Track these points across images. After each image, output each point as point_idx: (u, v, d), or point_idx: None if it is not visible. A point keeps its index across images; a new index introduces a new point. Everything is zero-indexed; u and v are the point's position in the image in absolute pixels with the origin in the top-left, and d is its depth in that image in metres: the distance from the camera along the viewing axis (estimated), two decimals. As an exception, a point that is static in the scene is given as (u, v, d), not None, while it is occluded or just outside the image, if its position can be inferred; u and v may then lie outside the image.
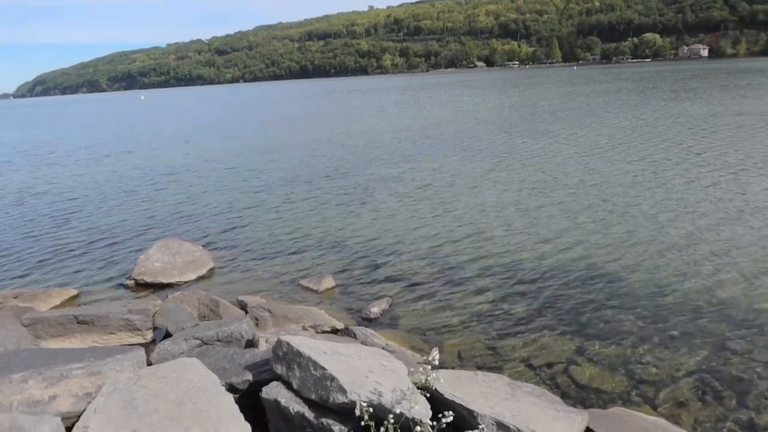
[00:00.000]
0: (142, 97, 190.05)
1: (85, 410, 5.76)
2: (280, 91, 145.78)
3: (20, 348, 7.42)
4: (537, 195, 16.93)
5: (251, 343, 7.60)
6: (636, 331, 8.83)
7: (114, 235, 15.42)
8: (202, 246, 13.32)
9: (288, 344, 5.76)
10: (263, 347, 7.13)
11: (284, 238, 14.19)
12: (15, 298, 10.73)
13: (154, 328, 9.29)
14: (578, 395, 7.35)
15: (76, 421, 5.85)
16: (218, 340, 7.53)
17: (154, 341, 9.23)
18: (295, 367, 5.63)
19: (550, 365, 8.07)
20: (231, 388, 6.17)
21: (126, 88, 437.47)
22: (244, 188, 20.45)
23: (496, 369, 7.97)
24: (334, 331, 9.15)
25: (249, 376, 6.18)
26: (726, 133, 26.45)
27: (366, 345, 8.04)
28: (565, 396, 7.32)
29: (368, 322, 9.57)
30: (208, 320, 9.43)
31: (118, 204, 19.16)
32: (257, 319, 9.00)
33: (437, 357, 5.00)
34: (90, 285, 11.95)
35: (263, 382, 6.14)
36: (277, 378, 5.93)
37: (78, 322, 9.00)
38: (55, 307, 10.72)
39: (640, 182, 17.82)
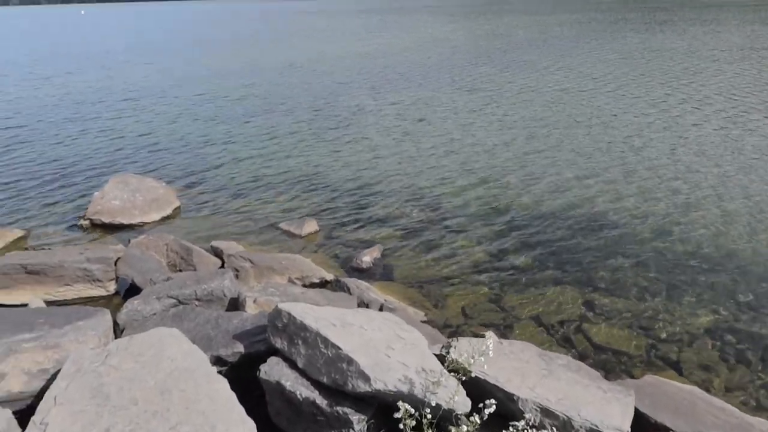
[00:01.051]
0: (83, 12, 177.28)
1: (39, 391, 4.77)
2: (224, 12, 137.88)
3: (-43, 308, 6.24)
4: (530, 133, 16.03)
5: (235, 303, 6.62)
6: (646, 285, 8.25)
7: (64, 168, 13.83)
8: (165, 183, 11.99)
9: (289, 315, 4.82)
10: (251, 308, 6.17)
11: (258, 175, 12.97)
12: (-50, 240, 9.35)
13: (117, 279, 8.18)
14: (599, 359, 6.73)
15: (30, 401, 4.87)
16: (197, 299, 6.52)
17: (117, 293, 8.16)
18: (299, 342, 4.71)
19: (562, 323, 7.42)
20: (218, 361, 5.24)
21: (64, 2, 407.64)
22: (210, 118, 18.75)
23: (507, 329, 7.27)
24: (323, 282, 8.24)
25: (240, 347, 5.25)
26: (709, 65, 25.87)
27: (364, 301, 7.21)
28: (584, 358, 6.70)
29: (360, 272, 8.69)
30: (179, 270, 8.36)
31: (70, 133, 17.26)
32: (237, 271, 7.98)
33: (491, 345, 4.14)
34: (38, 226, 10.60)
35: (256, 355, 5.24)
36: (274, 351, 5.02)
37: (27, 272, 7.79)
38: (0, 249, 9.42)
39: (634, 120, 17.12)
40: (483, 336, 6.98)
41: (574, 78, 24.79)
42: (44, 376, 4.91)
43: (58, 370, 4.82)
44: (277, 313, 4.92)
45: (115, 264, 8.23)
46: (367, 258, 8.87)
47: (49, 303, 7.82)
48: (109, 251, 8.27)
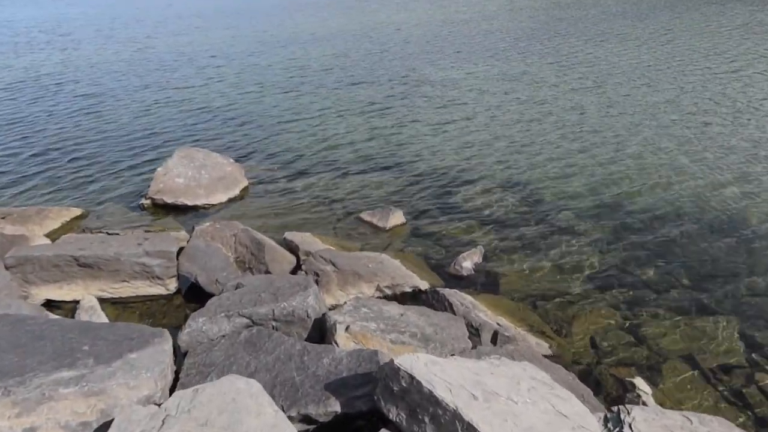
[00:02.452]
0: None
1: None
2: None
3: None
4: (629, 117, 14.03)
5: (320, 326, 5.34)
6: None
7: (132, 140, 12.83)
8: (233, 159, 10.82)
9: (411, 378, 3.46)
10: (343, 340, 4.87)
11: (337, 156, 11.61)
12: (2, 218, 8.48)
13: (178, 275, 7.06)
14: (789, 426, 5.12)
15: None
16: (274, 320, 5.27)
17: (179, 292, 7.05)
18: (426, 419, 3.35)
19: (725, 369, 5.82)
20: (304, 419, 3.97)
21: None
22: (286, 89, 17.32)
23: (654, 372, 5.76)
24: (416, 292, 6.88)
25: (335, 405, 3.96)
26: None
27: (473, 325, 5.81)
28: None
29: (458, 280, 7.28)
30: (249, 268, 7.16)
31: (140, 102, 16.26)
32: (317, 275, 6.70)
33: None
34: (98, 203, 9.67)
35: (355, 416, 3.94)
36: (380, 416, 3.71)
37: (80, 265, 6.77)
38: (54, 231, 8.51)
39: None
40: (633, 384, 5.54)
41: (693, 54, 22.17)
42: None
43: (103, 425, 3.68)
44: (393, 371, 3.57)
45: (177, 257, 7.11)
46: (467, 263, 7.43)
47: (103, 300, 6.82)
48: (170, 242, 7.13)
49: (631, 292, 7.06)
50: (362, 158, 11.31)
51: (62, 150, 12.15)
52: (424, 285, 6.97)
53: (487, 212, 9.06)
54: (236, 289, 5.89)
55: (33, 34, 32.27)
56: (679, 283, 7.22)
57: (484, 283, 7.25)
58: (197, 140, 12.59)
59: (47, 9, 50.37)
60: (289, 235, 7.88)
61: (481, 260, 7.62)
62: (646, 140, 11.93)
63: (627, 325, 6.48)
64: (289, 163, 11.23)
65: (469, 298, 6.57)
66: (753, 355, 5.99)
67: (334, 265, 6.80)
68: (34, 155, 11.91)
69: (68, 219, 8.89)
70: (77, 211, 9.12)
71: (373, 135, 12.56)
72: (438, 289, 6.72)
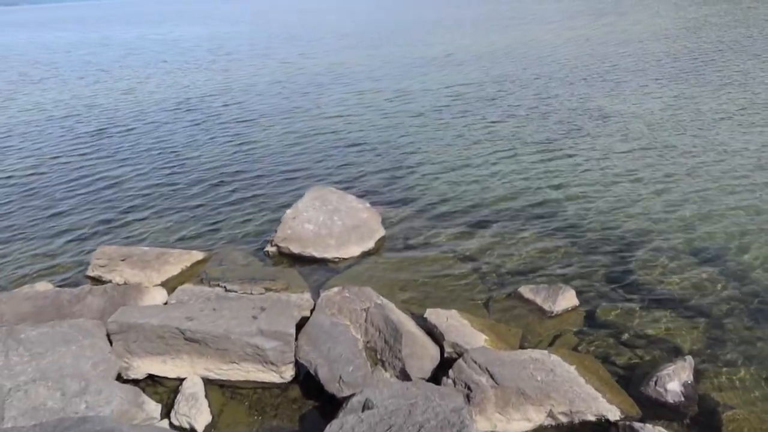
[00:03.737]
0: None
1: None
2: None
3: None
4: None
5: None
6: None
7: (264, 174, 11.98)
8: (370, 203, 9.54)
9: None
10: None
11: (484, 204, 9.93)
12: (123, 260, 7.81)
13: (296, 362, 5.77)
14: None
15: None
16: (415, 483, 3.70)
17: (296, 380, 5.76)
18: None
19: None
20: None
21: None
22: (424, 118, 15.84)
23: None
24: (604, 423, 5.01)
25: None
26: None
27: None
28: None
29: (660, 407, 5.29)
30: (380, 360, 5.70)
31: (278, 130, 15.65)
32: (468, 388, 5.07)
33: None
34: (223, 244, 8.81)
35: None
36: None
37: (186, 339, 5.71)
38: (172, 279, 7.69)
39: None
40: None
41: None
42: None
43: None
44: None
45: (296, 336, 5.83)
46: (673, 385, 5.40)
47: (210, 381, 5.70)
48: (288, 319, 5.87)
49: None
50: (521, 211, 9.47)
51: (196, 182, 11.62)
52: (613, 414, 5.08)
53: (688, 299, 6.90)
54: (363, 410, 4.42)
55: (197, 52, 33.98)
56: None
57: (698, 418, 5.20)
58: (333, 177, 11.50)
59: (213, 28, 53.77)
60: (432, 316, 6.33)
61: (691, 379, 5.54)
62: None
63: None
64: (435, 210, 9.71)
65: (685, 448, 4.58)
66: None
67: (491, 376, 5.12)
68: (166, 185, 11.49)
69: (189, 264, 8.05)
70: (199, 255, 8.28)
71: (538, 182, 10.60)
72: (635, 425, 4.82)
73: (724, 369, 5.75)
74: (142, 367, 5.82)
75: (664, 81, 18.53)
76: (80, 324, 5.69)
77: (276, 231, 8.54)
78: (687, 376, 5.54)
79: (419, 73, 22.66)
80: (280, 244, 8.34)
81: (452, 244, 8.45)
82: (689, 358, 5.75)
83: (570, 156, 11.85)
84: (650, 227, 8.64)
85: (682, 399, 5.33)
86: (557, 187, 10.31)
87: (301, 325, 6.30)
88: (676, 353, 5.95)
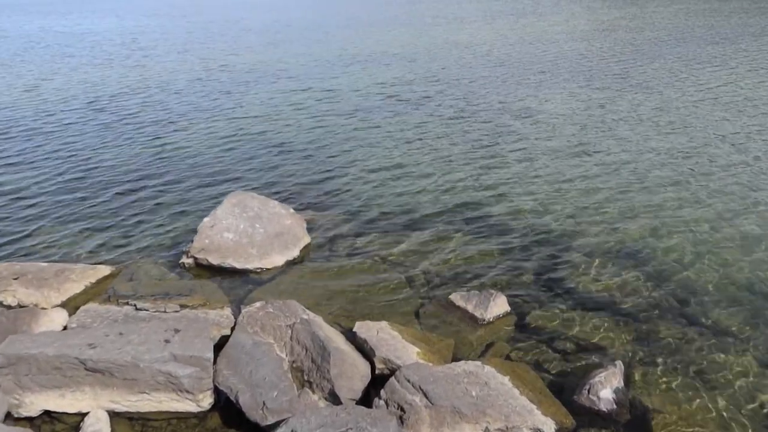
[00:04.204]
0: None
1: None
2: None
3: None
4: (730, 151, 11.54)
5: None
6: None
7: (180, 179, 11.17)
8: (294, 209, 9.09)
9: None
10: None
11: (412, 206, 9.71)
12: (15, 279, 7.00)
13: (215, 388, 5.30)
14: None
15: None
16: None
17: (215, 408, 5.29)
18: None
19: None
20: None
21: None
22: (347, 118, 15.41)
23: None
24: (539, 438, 4.87)
25: None
26: None
27: None
28: None
29: (594, 416, 5.22)
30: (308, 382, 5.32)
31: (196, 130, 14.76)
32: (402, 409, 4.79)
33: None
34: (132, 259, 8.11)
35: None
36: None
37: (87, 369, 5.10)
38: (74, 298, 6.96)
39: None
40: None
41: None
42: None
43: None
44: None
45: (215, 364, 5.36)
46: (605, 392, 5.35)
47: (116, 415, 5.13)
48: (205, 343, 5.38)
49: None
50: (451, 215, 9.30)
51: (105, 188, 10.70)
52: (548, 426, 4.95)
53: (616, 300, 6.95)
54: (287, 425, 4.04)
55: (108, 47, 31.94)
56: None
57: (630, 424, 5.17)
58: (255, 181, 10.92)
59: (125, 20, 50.99)
60: (362, 329, 6.01)
61: (622, 384, 5.51)
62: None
63: None
64: (362, 215, 9.38)
65: (620, 459, 4.50)
66: None
67: (425, 395, 4.86)
68: (70, 192, 10.53)
69: (94, 280, 7.33)
70: (106, 270, 7.56)
71: (466, 185, 10.48)
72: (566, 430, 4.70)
73: (653, 372, 5.78)
74: (37, 403, 5.16)
75: (584, 81, 19.09)
76: (-42, 360, 4.96)
77: (192, 241, 7.95)
78: (618, 381, 5.51)
79: (346, 72, 22.26)
80: (197, 255, 7.76)
81: (381, 251, 8.16)
82: (619, 363, 5.74)
83: (497, 157, 11.86)
84: (579, 229, 8.71)
85: (614, 406, 5.29)
86: (485, 189, 10.25)
87: (221, 344, 5.84)
88: (606, 358, 5.94)
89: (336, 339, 5.82)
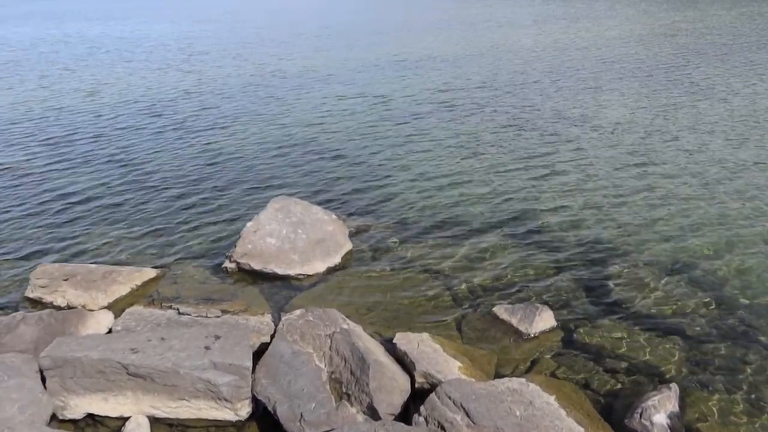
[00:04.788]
0: None
1: None
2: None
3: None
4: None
5: None
6: None
7: (226, 183, 11.25)
8: (336, 215, 9.04)
9: None
10: None
11: (456, 215, 9.50)
12: (66, 280, 7.18)
13: (254, 397, 5.26)
14: None
15: None
16: None
17: (253, 417, 5.25)
18: None
19: None
20: None
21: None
22: (393, 122, 15.33)
23: None
24: (586, 464, 4.62)
25: None
26: None
27: None
28: None
29: (646, 443, 4.92)
30: (346, 394, 5.22)
31: (241, 135, 14.86)
32: (442, 428, 4.63)
33: None
34: (177, 262, 8.21)
35: None
36: None
37: (129, 374, 5.15)
38: (120, 300, 7.08)
39: None
40: None
41: None
42: None
43: None
44: None
45: (253, 373, 5.32)
46: (659, 418, 5.05)
47: (157, 420, 5.15)
48: (244, 351, 5.35)
49: None
50: (496, 225, 9.05)
51: (153, 192, 10.89)
52: (597, 454, 4.69)
53: (667, 317, 6.60)
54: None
55: (165, 52, 32.85)
56: None
57: (686, 454, 4.85)
58: (299, 187, 10.91)
59: (180, 26, 52.47)
60: (402, 341, 5.88)
61: (677, 409, 5.20)
62: None
63: None
64: (406, 223, 9.23)
65: (674, 491, 4.21)
66: None
67: (467, 413, 4.69)
68: (120, 195, 10.76)
69: (140, 283, 7.45)
70: (151, 273, 7.68)
71: (515, 195, 10.13)
72: (621, 464, 4.43)
73: (710, 398, 5.43)
74: (81, 406, 5.24)
75: (643, 88, 18.44)
76: (5, 361, 5.09)
77: (236, 246, 7.99)
78: (672, 406, 5.19)
79: (397, 77, 22.14)
80: (240, 260, 7.80)
81: (423, 260, 8.01)
82: (674, 386, 5.41)
83: (551, 167, 11.49)
84: (636, 243, 8.33)
85: (668, 430, 4.98)
86: (538, 200, 9.94)
87: (260, 351, 5.83)
88: (659, 379, 5.62)
89: (376, 350, 5.70)
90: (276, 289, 7.46)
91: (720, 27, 33.09)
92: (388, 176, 11.30)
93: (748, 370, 5.73)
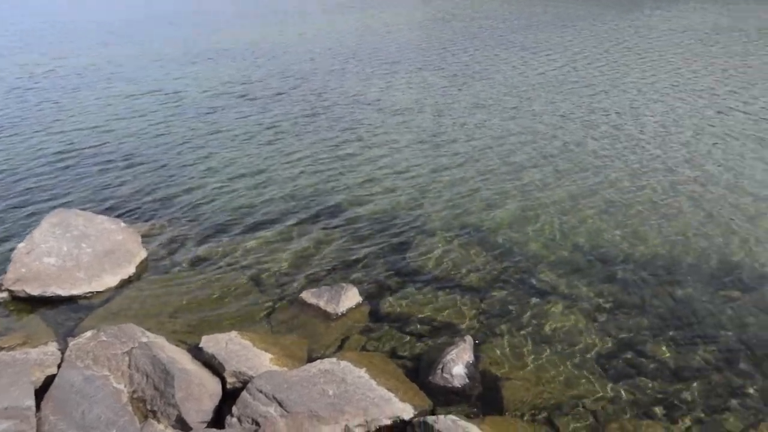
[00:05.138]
0: None
1: None
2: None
3: None
4: (596, 141, 12.67)
5: None
6: None
7: None
8: (125, 222, 8.35)
9: None
10: None
11: (251, 207, 9.36)
12: None
13: (42, 437, 4.68)
14: None
15: None
16: None
17: (42, 460, 4.66)
18: None
19: None
20: None
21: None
22: (177, 118, 14.51)
23: None
24: (400, 425, 4.91)
25: None
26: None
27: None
28: None
29: (450, 394, 5.37)
30: (152, 412, 4.88)
31: (9, 144, 13.09)
32: (256, 423, 4.55)
33: None
34: (-71, 300, 6.92)
35: None
36: None
37: None
38: None
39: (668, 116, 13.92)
40: None
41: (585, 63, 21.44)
42: None
43: None
44: None
45: (38, 411, 4.73)
46: (458, 369, 5.53)
47: None
48: (24, 388, 4.72)
49: (663, 382, 5.47)
50: (295, 212, 9.08)
51: None
52: (407, 412, 5.01)
53: (458, 277, 7.23)
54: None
55: None
56: (721, 364, 5.71)
57: (484, 397, 5.40)
58: (80, 197, 9.84)
59: None
60: (209, 343, 5.66)
61: (472, 359, 5.73)
62: (628, 170, 10.60)
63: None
64: (203, 221, 8.86)
65: (475, 431, 4.66)
66: None
67: (280, 404, 4.67)
68: None
69: None
70: None
71: (309, 180, 10.27)
72: (428, 420, 4.78)
73: (500, 341, 6.08)
74: None
75: (428, 70, 19.69)
76: None
77: (6, 271, 6.99)
78: (469, 356, 5.72)
79: (190, 71, 20.74)
80: (13, 288, 6.83)
81: (227, 257, 7.77)
82: (469, 338, 5.97)
83: (350, 151, 11.76)
84: (423, 214, 8.93)
85: (467, 381, 5.48)
86: (336, 184, 10.15)
87: (46, 386, 5.17)
88: (457, 334, 6.13)
89: (181, 359, 5.41)
90: (61, 313, 6.68)
91: (489, 12, 36.67)
92: (184, 176, 10.72)
93: (529, 313, 6.51)
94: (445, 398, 5.33)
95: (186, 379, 5.02)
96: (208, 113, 14.90)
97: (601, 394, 5.39)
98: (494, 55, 21.71)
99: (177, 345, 5.87)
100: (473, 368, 5.63)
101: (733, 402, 5.28)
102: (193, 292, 6.97)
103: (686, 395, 5.38)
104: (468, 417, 5.00)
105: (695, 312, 6.50)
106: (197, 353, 5.67)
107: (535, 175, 10.25)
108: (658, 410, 5.23)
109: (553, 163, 10.75)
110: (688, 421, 5.11)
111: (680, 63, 19.12)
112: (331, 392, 4.94)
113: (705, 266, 7.36)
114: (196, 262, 7.66)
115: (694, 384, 5.50)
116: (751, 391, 5.40)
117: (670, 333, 6.17)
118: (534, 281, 7.10)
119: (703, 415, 5.18)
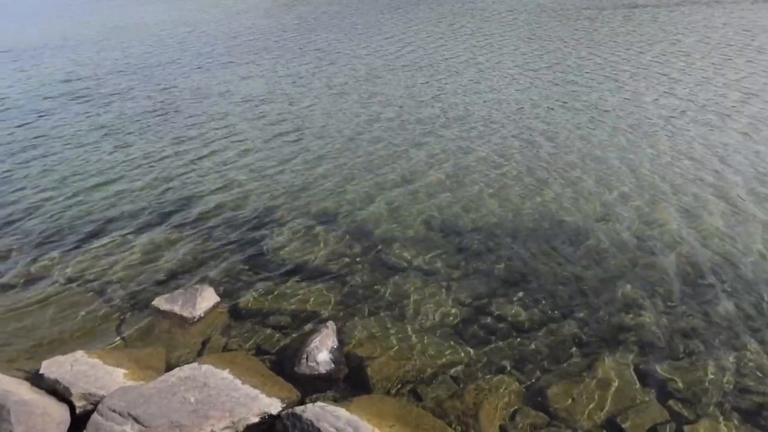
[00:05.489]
0: None
1: None
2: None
3: None
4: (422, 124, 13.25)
5: None
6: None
7: None
8: (-63, 245, 7.35)
9: None
10: None
11: (94, 214, 8.69)
12: None
13: None
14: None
15: None
16: None
17: None
18: None
19: None
20: None
21: None
22: (10, 130, 13.15)
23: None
24: (269, 420, 4.87)
25: None
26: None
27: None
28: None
29: (317, 381, 5.41)
30: (-14, 453, 4.38)
31: None
32: (111, 445, 4.26)
33: None
34: None
35: None
36: None
37: None
38: None
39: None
40: None
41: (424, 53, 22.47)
42: None
43: None
44: None
45: None
46: (323, 355, 5.58)
47: None
48: None
49: (522, 350, 5.94)
50: (141, 216, 8.56)
51: None
52: (275, 407, 4.97)
53: (316, 265, 7.27)
54: None
55: None
56: (560, 315, 6.32)
57: (350, 380, 5.49)
58: None
59: None
60: (50, 369, 5.19)
61: (336, 343, 5.82)
62: (458, 146, 11.21)
63: (531, 395, 5.28)
64: (42, 235, 8.04)
65: (343, 414, 4.75)
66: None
67: (136, 420, 4.41)
68: None
69: None
70: None
71: (156, 181, 9.72)
72: (296, 410, 4.79)
73: (360, 323, 6.21)
74: None
75: (276, 57, 19.30)
76: None
77: None
78: (332, 341, 5.79)
79: (7, 70, 18.64)
80: None
81: (64, 271, 7.14)
82: (330, 323, 6.04)
83: (203, 147, 11.38)
84: (272, 204, 8.85)
85: (333, 366, 5.55)
86: (191, 182, 9.76)
87: None
88: (320, 322, 6.17)
89: (18, 390, 4.90)
90: None
91: (326, -4, 36.65)
92: (15, 189, 9.62)
93: (386, 291, 6.71)
94: (312, 387, 5.35)
95: (25, 410, 4.57)
96: (37, 117, 13.66)
97: (460, 359, 5.72)
98: (344, 38, 21.87)
99: (14, 375, 5.31)
100: (338, 353, 5.71)
101: (574, 349, 5.85)
102: (30, 315, 6.33)
103: (533, 347, 5.87)
104: (336, 401, 5.07)
105: (535, 271, 7.11)
106: (38, 380, 5.17)
107: (384, 158, 10.54)
108: (509, 365, 5.65)
109: (400, 144, 11.13)
110: (538, 372, 5.59)
111: (514, 41, 20.61)
112: (192, 399, 4.76)
113: (540, 229, 8.06)
114: (35, 283, 6.96)
115: (539, 336, 6.02)
116: (586, 336, 6.03)
117: (518, 294, 6.67)
118: (391, 260, 7.33)
119: (547, 363, 5.69)
